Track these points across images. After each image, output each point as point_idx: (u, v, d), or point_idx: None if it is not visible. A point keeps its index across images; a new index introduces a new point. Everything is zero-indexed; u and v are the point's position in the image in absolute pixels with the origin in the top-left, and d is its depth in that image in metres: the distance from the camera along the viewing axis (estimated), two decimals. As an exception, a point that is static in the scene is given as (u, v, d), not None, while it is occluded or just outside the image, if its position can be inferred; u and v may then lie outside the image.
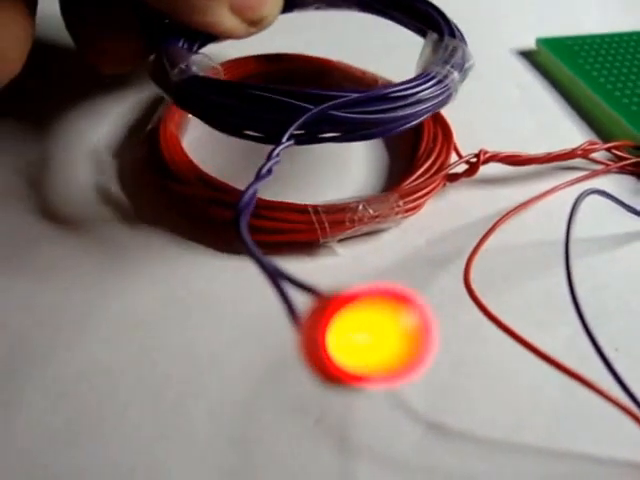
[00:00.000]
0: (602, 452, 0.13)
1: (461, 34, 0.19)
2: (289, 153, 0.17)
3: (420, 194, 0.18)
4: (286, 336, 0.15)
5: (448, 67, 0.17)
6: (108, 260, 0.17)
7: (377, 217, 0.17)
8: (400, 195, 0.18)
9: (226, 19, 0.17)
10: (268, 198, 0.17)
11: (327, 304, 0.08)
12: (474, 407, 0.14)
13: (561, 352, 0.13)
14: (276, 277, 0.10)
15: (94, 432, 0.13)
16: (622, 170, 0.21)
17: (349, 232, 0.17)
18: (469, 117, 0.21)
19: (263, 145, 0.17)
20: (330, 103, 0.15)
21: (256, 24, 0.18)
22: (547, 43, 0.27)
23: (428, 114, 0.17)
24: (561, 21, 0.30)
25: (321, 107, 0.15)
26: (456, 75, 0.17)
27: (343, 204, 0.17)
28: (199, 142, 0.20)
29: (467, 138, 0.20)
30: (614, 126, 0.23)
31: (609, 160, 0.21)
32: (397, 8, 0.21)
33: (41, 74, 0.22)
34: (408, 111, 0.16)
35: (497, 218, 0.18)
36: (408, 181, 0.19)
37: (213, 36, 0.19)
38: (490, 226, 0.17)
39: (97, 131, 0.21)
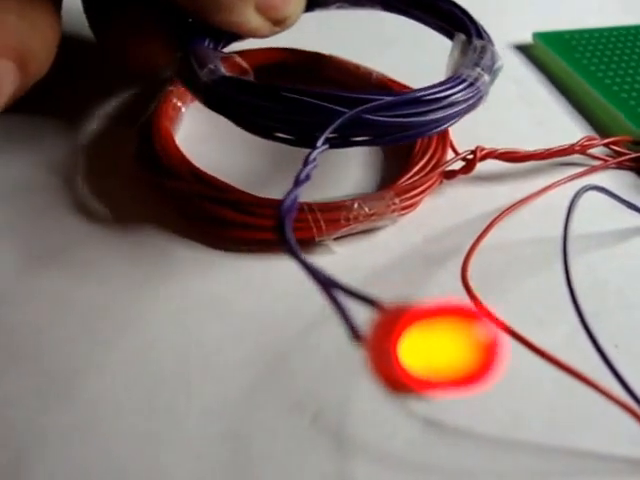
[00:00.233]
0: (601, 449, 0.13)
1: (487, 35, 0.19)
2: (285, 152, 0.17)
3: (416, 192, 0.18)
4: (281, 334, 0.15)
5: (478, 70, 0.17)
6: (99, 258, 0.17)
7: (373, 215, 0.17)
8: (396, 193, 0.18)
9: (252, 18, 0.17)
10: (263, 196, 0.17)
11: (399, 317, 0.08)
12: (472, 404, 0.14)
13: (560, 349, 0.13)
14: (329, 287, 0.10)
15: (89, 430, 0.13)
16: (620, 166, 0.21)
17: (345, 230, 0.17)
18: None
19: (259, 142, 0.17)
20: (364, 106, 0.15)
21: (280, 23, 0.18)
22: (544, 37, 0.27)
23: (459, 117, 0.17)
24: (558, 15, 0.29)
25: (356, 110, 0.15)
26: (486, 78, 0.17)
27: (339, 202, 0.17)
28: (193, 137, 0.20)
29: (463, 135, 0.19)
30: (612, 121, 0.23)
31: (607, 156, 0.21)
32: (420, 7, 0.20)
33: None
34: (440, 114, 0.16)
35: (495, 215, 0.18)
36: (404, 178, 0.18)
37: (237, 35, 0.19)
38: (488, 223, 0.17)
39: (87, 127, 0.21)
